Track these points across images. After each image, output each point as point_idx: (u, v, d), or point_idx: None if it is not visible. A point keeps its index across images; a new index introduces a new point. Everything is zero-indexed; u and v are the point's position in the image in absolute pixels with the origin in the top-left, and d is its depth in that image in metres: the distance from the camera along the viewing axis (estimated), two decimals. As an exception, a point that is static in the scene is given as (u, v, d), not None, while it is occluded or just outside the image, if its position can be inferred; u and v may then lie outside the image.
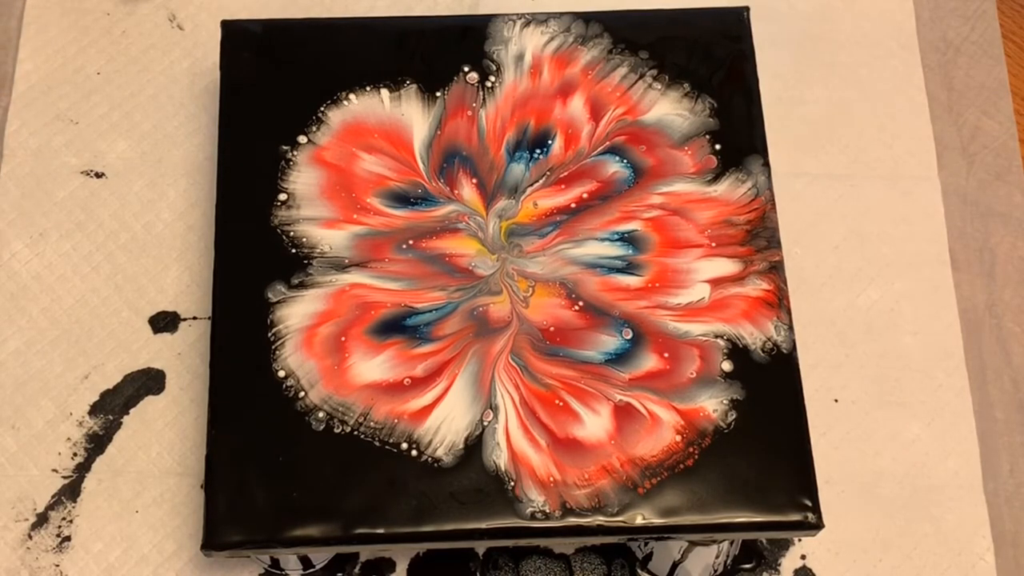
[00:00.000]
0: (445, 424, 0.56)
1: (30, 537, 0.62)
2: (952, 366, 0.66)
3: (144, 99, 0.72)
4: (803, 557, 0.63)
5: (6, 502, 0.63)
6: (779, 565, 0.63)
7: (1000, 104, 0.73)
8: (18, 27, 0.73)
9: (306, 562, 0.61)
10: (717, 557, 0.61)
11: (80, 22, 0.74)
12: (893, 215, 0.70)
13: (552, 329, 0.59)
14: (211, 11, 0.74)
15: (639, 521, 0.55)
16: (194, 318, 0.67)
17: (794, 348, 0.58)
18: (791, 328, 0.59)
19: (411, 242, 0.60)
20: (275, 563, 0.61)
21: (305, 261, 0.60)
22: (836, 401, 0.66)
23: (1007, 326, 0.68)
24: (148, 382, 0.65)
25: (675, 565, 0.62)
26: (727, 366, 0.58)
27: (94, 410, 0.65)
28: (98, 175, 0.70)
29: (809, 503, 0.56)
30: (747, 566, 0.63)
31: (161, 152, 0.70)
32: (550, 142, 0.63)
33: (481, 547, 0.63)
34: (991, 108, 0.73)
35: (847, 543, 0.63)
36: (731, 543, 0.61)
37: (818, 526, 0.55)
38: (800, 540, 0.63)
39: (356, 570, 0.62)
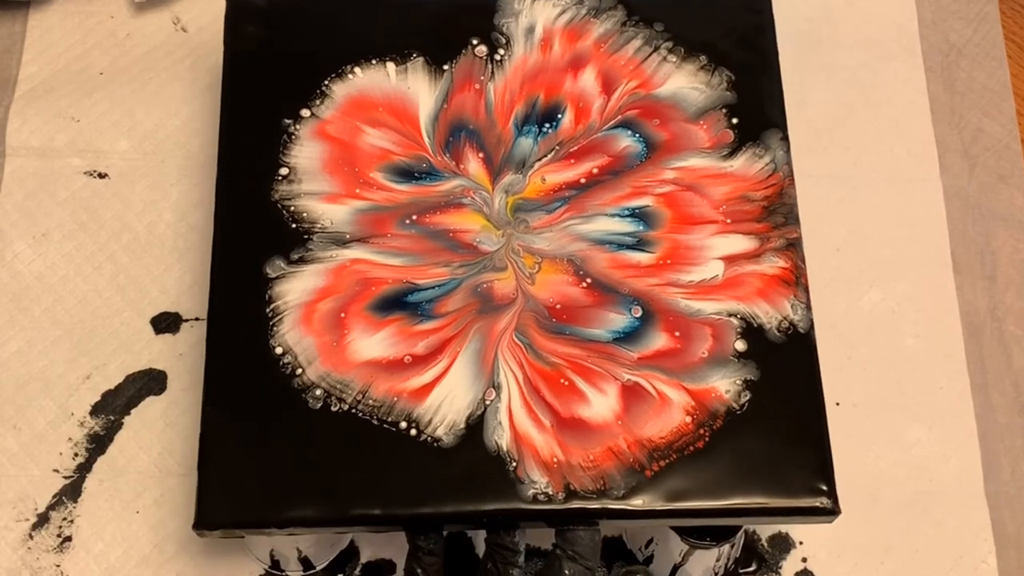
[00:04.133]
0: (446, 403, 0.55)
1: (31, 537, 0.62)
2: (953, 369, 0.66)
3: (146, 96, 0.72)
4: (804, 560, 0.63)
5: (7, 502, 0.63)
6: (780, 568, 0.62)
7: (1002, 106, 0.73)
8: (23, 31, 0.74)
9: (306, 563, 0.61)
10: (718, 560, 0.61)
11: (84, 24, 0.74)
12: (895, 217, 0.70)
13: (559, 306, 0.57)
14: (215, 14, 0.74)
15: (645, 505, 0.53)
16: (196, 319, 0.67)
17: (811, 327, 0.57)
18: (808, 307, 0.57)
19: (415, 217, 0.59)
20: (275, 564, 0.61)
21: (305, 236, 0.59)
22: (837, 404, 0.66)
23: (1008, 329, 0.68)
24: (150, 382, 0.65)
25: (676, 568, 0.61)
26: (741, 345, 0.56)
27: (95, 410, 0.65)
28: (101, 175, 0.70)
29: (825, 488, 0.54)
30: (748, 569, 0.62)
31: (164, 152, 0.71)
32: (560, 116, 0.62)
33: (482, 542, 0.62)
34: (993, 110, 0.72)
35: (849, 546, 0.63)
36: (732, 546, 0.61)
37: (834, 512, 0.54)
38: (801, 543, 0.63)
39: (357, 571, 0.62)
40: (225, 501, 0.54)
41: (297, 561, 0.61)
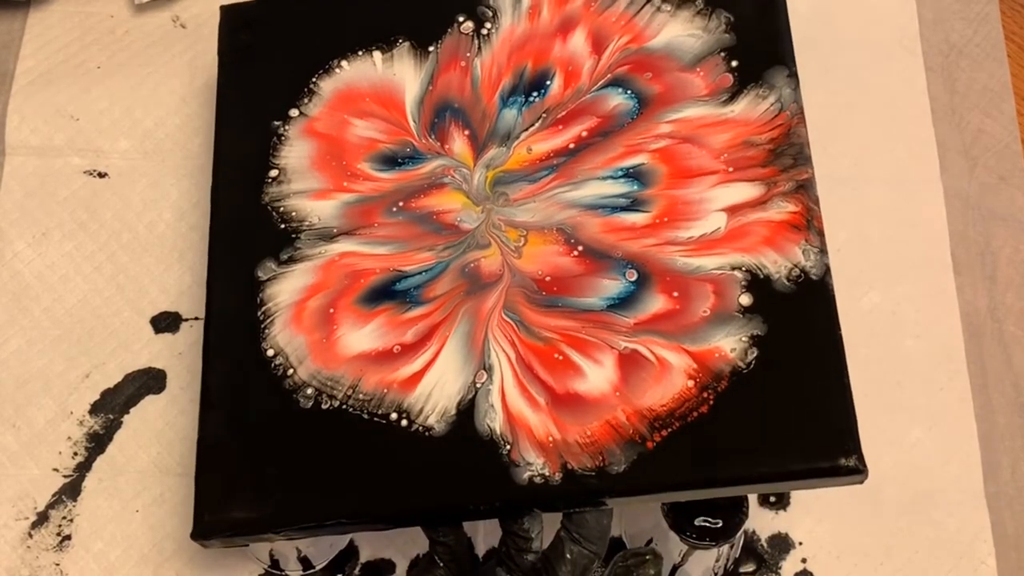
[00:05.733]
0: (436, 390, 0.54)
1: (30, 536, 0.62)
2: (953, 370, 0.66)
3: (145, 94, 0.72)
4: (803, 560, 0.63)
5: (7, 500, 0.63)
6: (779, 568, 0.62)
7: (1003, 107, 0.72)
8: (21, 28, 0.74)
9: (306, 563, 0.61)
10: (717, 560, 0.61)
11: (84, 23, 0.74)
12: (895, 218, 0.69)
13: (548, 279, 0.55)
14: (215, 11, 0.74)
15: (648, 479, 0.51)
16: (196, 319, 0.67)
17: (827, 273, 0.54)
18: (823, 251, 0.54)
19: (401, 204, 0.58)
20: (275, 564, 0.61)
21: (293, 236, 0.58)
22: (838, 404, 0.65)
23: (1009, 330, 0.67)
24: (149, 381, 0.65)
25: (675, 568, 0.61)
26: (746, 300, 0.54)
27: (95, 409, 0.65)
28: (101, 175, 0.70)
29: (848, 445, 0.51)
30: (747, 570, 0.62)
31: (164, 152, 0.71)
32: (548, 83, 0.60)
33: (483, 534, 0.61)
34: (994, 110, 0.72)
35: (848, 547, 0.63)
36: (731, 546, 0.61)
37: (859, 470, 0.51)
38: (801, 544, 0.63)
39: (356, 571, 0.62)
40: (222, 510, 0.54)
41: (296, 561, 0.61)
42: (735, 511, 0.56)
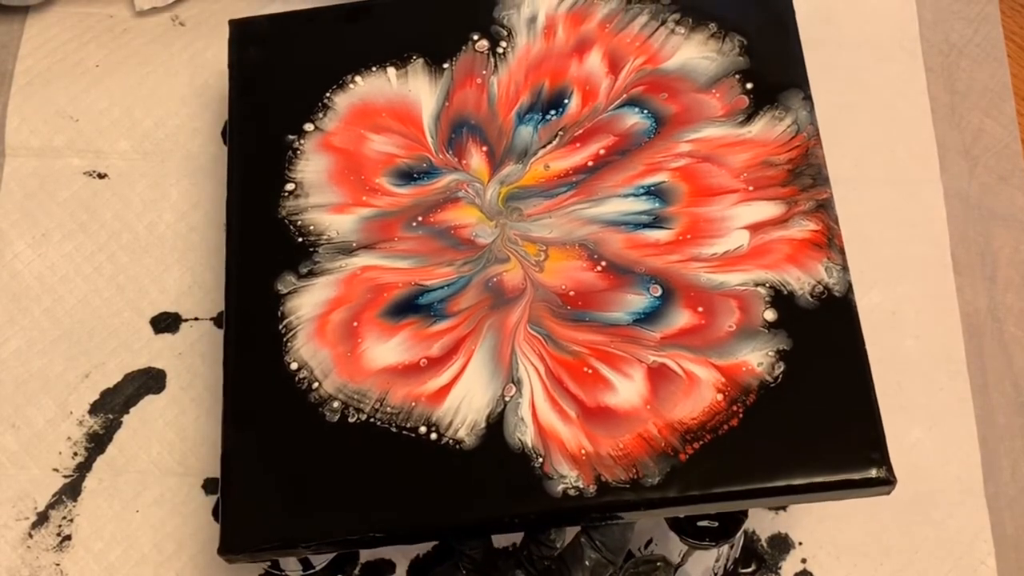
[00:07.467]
0: (465, 403, 0.54)
1: (30, 536, 0.62)
2: (954, 370, 0.66)
3: (145, 94, 0.72)
4: (803, 561, 0.63)
5: (7, 501, 0.63)
6: (779, 568, 0.62)
7: (1003, 107, 0.72)
8: (20, 28, 0.74)
9: (306, 563, 0.61)
10: (717, 560, 0.61)
11: (83, 23, 0.74)
12: (895, 218, 0.69)
13: (572, 293, 0.56)
14: (214, 11, 0.74)
15: (682, 491, 0.52)
16: (195, 319, 0.67)
17: (849, 290, 0.55)
18: (845, 268, 0.56)
19: (420, 219, 0.59)
20: (275, 564, 0.61)
21: (311, 249, 0.58)
22: (837, 405, 0.65)
23: (1009, 330, 0.67)
24: (148, 381, 0.65)
25: (675, 568, 0.61)
26: (770, 315, 0.55)
27: (94, 409, 0.65)
28: (100, 175, 0.70)
29: (877, 456, 0.52)
30: (747, 570, 0.62)
31: (163, 152, 0.71)
32: (566, 101, 0.61)
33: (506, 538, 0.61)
34: (994, 110, 0.72)
35: (848, 547, 0.63)
36: (731, 546, 0.61)
37: (889, 481, 0.52)
38: (801, 544, 0.63)
39: (356, 571, 0.62)
40: (250, 526, 0.53)
41: (296, 560, 0.61)
42: (735, 511, 0.56)
